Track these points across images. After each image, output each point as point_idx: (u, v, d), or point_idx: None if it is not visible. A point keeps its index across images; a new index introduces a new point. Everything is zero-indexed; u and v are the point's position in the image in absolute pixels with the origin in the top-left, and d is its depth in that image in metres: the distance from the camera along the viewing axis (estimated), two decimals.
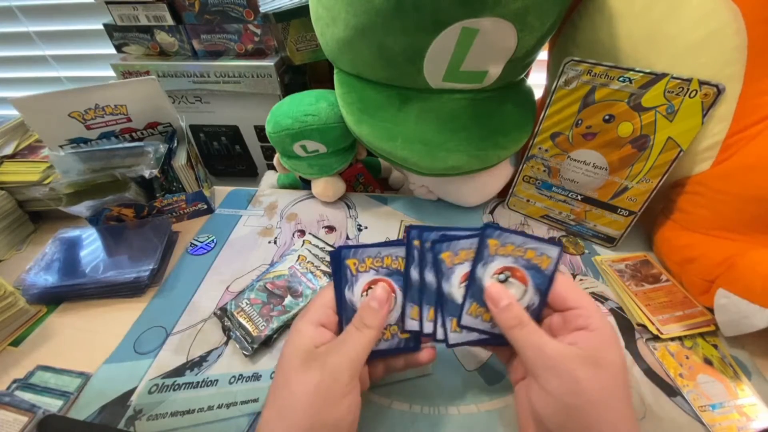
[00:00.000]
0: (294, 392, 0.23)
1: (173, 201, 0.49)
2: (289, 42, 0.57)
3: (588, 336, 0.23)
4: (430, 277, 0.27)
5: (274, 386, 0.25)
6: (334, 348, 0.24)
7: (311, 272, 0.41)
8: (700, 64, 0.33)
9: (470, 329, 0.27)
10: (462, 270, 0.27)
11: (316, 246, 0.45)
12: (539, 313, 0.27)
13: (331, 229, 0.49)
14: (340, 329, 0.27)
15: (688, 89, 0.33)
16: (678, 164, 0.36)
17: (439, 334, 0.28)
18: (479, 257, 0.26)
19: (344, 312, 0.27)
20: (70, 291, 0.40)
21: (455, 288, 0.27)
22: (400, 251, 0.28)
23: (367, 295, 0.27)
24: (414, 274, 0.27)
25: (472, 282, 0.27)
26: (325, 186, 0.50)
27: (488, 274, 0.26)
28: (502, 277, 0.26)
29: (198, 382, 0.33)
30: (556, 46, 0.47)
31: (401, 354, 0.29)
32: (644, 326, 0.35)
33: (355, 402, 0.24)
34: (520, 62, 0.39)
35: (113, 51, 0.63)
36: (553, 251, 0.26)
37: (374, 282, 0.27)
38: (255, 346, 0.34)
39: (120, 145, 0.47)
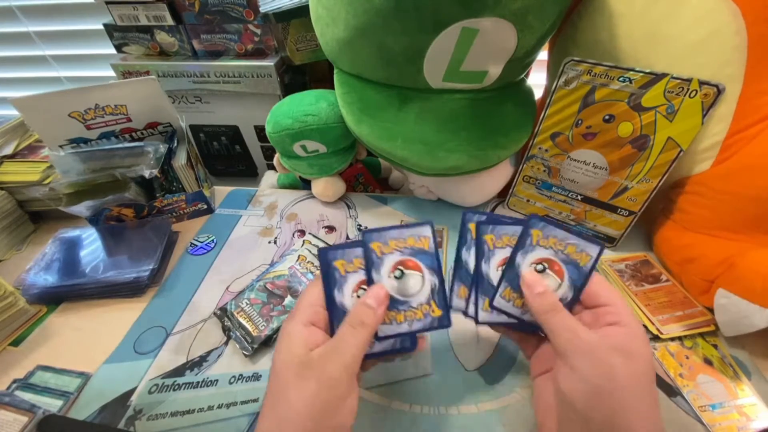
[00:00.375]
0: (292, 404, 0.22)
1: (173, 201, 0.49)
2: (289, 42, 0.57)
3: (619, 331, 0.24)
4: (466, 256, 0.28)
5: (269, 394, 0.24)
6: (329, 354, 0.24)
7: (311, 272, 0.41)
8: (700, 64, 0.33)
9: (501, 311, 0.28)
10: (502, 254, 0.28)
11: (316, 246, 0.45)
12: (571, 308, 0.27)
13: (331, 229, 0.49)
14: (331, 328, 0.26)
15: (688, 89, 0.33)
16: (678, 164, 0.36)
17: (471, 311, 0.28)
18: (521, 245, 0.27)
19: (335, 314, 0.27)
20: (70, 291, 0.40)
21: (492, 270, 0.28)
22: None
23: (358, 296, 0.27)
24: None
25: (510, 267, 0.27)
26: (325, 186, 0.50)
27: (527, 262, 0.27)
28: (539, 267, 0.27)
29: (198, 382, 0.33)
30: (556, 46, 0.47)
31: (397, 354, 0.28)
32: (644, 326, 0.35)
33: (355, 402, 0.24)
34: (520, 62, 0.39)
35: (113, 51, 0.63)
36: (594, 249, 0.26)
37: (403, 262, 0.27)
38: (255, 346, 0.34)
39: (120, 145, 0.47)
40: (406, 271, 0.26)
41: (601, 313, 0.25)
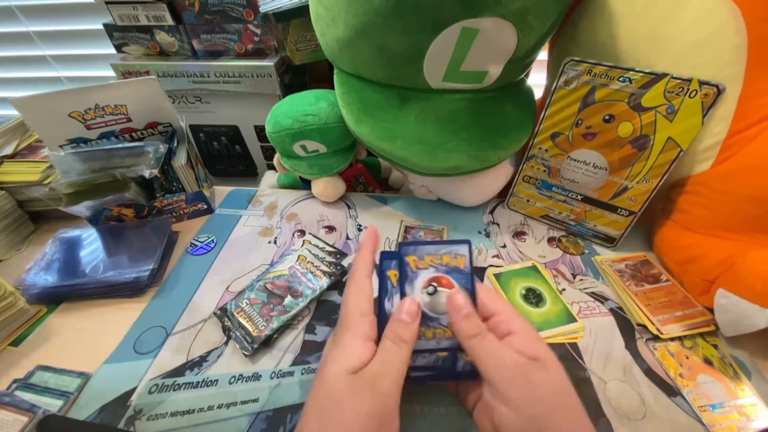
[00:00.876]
0: (346, 418, 0.22)
1: (173, 201, 0.49)
2: (289, 42, 0.57)
3: (519, 340, 0.24)
4: (389, 306, 0.28)
5: (316, 405, 0.24)
6: (381, 370, 0.24)
7: (311, 272, 0.41)
8: (701, 64, 0.33)
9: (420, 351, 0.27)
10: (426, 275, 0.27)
11: (316, 246, 0.45)
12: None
13: (331, 229, 0.49)
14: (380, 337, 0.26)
15: (688, 89, 0.33)
16: (678, 164, 0.36)
17: None
18: (404, 277, 0.27)
19: (384, 324, 0.26)
20: (70, 291, 0.40)
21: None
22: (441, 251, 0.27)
23: None
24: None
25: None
26: (325, 186, 0.50)
27: (417, 290, 0.27)
28: (430, 290, 0.27)
29: (198, 382, 0.33)
30: (556, 46, 0.47)
31: (440, 373, 0.28)
32: (644, 326, 0.35)
33: (398, 423, 0.24)
34: (520, 62, 0.39)
35: (113, 51, 0.63)
36: (464, 249, 0.27)
37: (437, 279, 0.27)
38: (255, 346, 0.34)
39: (120, 145, 0.47)
40: (440, 289, 0.26)
41: (493, 324, 0.25)
